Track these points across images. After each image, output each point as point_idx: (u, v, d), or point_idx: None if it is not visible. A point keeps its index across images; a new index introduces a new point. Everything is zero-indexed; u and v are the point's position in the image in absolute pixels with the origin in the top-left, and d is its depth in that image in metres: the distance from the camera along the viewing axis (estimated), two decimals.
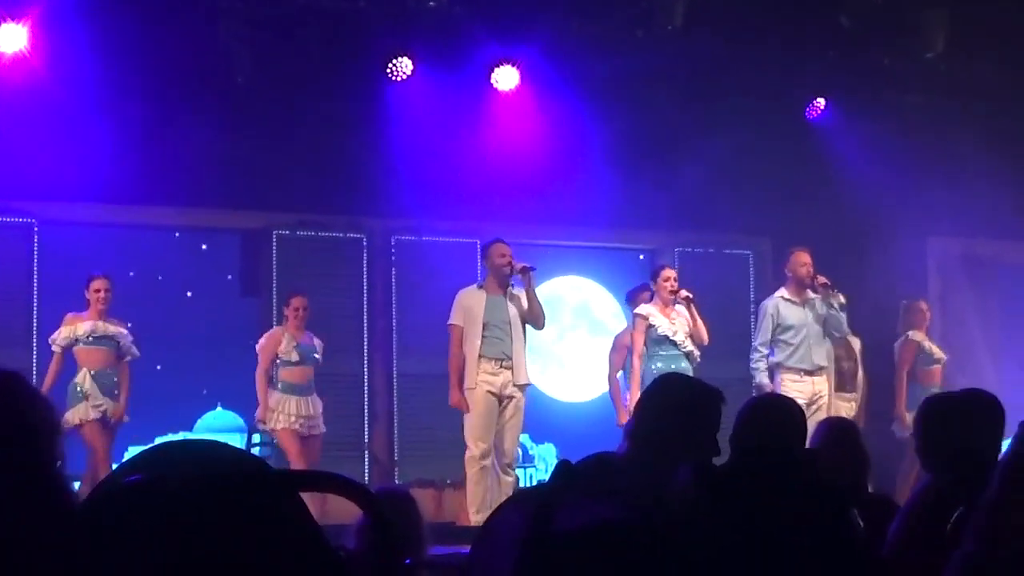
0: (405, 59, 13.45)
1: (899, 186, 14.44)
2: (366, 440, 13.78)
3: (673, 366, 11.93)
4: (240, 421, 13.72)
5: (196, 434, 13.40)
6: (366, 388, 13.93)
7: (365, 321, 14.07)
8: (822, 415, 12.06)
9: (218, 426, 13.58)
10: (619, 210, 14.38)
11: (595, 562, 2.38)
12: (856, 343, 13.60)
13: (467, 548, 3.25)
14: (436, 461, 13.37)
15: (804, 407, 11.91)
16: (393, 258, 14.19)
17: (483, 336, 11.53)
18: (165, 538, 1.77)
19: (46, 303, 12.80)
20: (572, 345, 15.33)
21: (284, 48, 13.12)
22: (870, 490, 6.88)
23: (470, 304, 11.67)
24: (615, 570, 2.42)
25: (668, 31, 13.29)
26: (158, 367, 13.24)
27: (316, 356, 12.30)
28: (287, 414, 11.98)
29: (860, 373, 13.61)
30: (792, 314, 12.65)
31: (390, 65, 13.48)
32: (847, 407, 13.09)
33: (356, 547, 5.34)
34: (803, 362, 12.54)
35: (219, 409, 13.83)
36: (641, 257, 15.65)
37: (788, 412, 5.35)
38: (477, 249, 13.79)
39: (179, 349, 13.34)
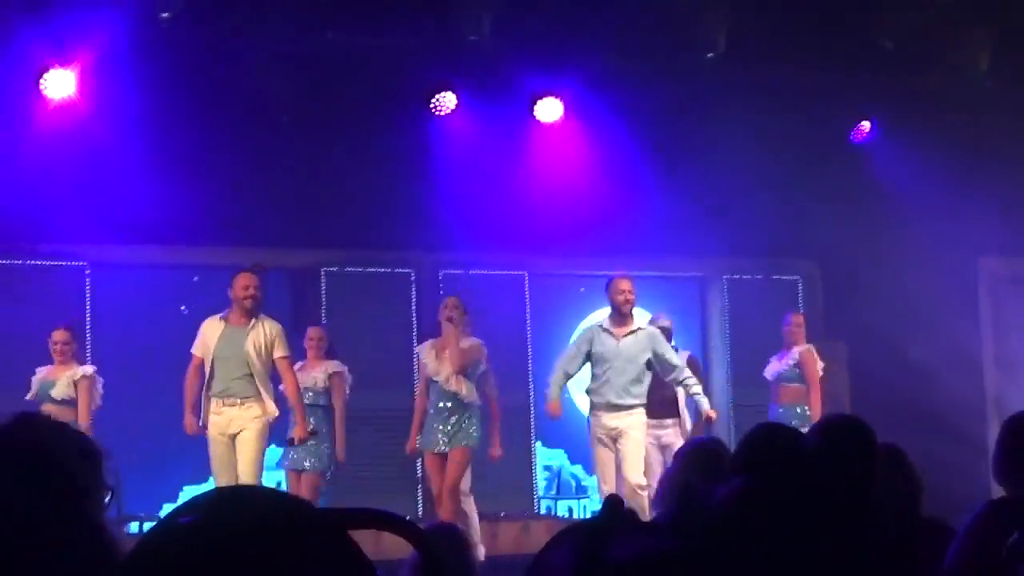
0: (448, 93, 13.52)
1: (948, 206, 14.37)
2: (418, 475, 13.78)
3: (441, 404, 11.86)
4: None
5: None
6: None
7: (415, 355, 14.09)
8: (630, 451, 11.91)
9: (272, 464, 13.60)
10: (665, 239, 14.37)
11: None
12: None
13: None
14: (489, 495, 13.36)
15: (610, 442, 11.90)
16: (441, 291, 14.20)
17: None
18: None
19: (99, 346, 12.87)
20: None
21: (328, 85, 13.21)
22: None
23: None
24: None
25: (710, 59, 13.30)
26: None
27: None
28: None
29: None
30: (607, 345, 12.12)
31: (434, 99, 13.55)
32: (668, 433, 12.68)
33: None
34: (610, 395, 12.01)
35: (272, 447, 13.85)
36: (690, 285, 15.62)
37: (860, 436, 5.32)
38: (525, 281, 13.83)
39: None
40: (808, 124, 14.32)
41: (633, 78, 13.67)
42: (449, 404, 11.82)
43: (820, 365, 13.22)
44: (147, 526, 11.67)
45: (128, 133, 12.52)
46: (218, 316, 11.44)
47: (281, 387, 11.45)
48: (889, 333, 14.46)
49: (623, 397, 11.93)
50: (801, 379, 13.24)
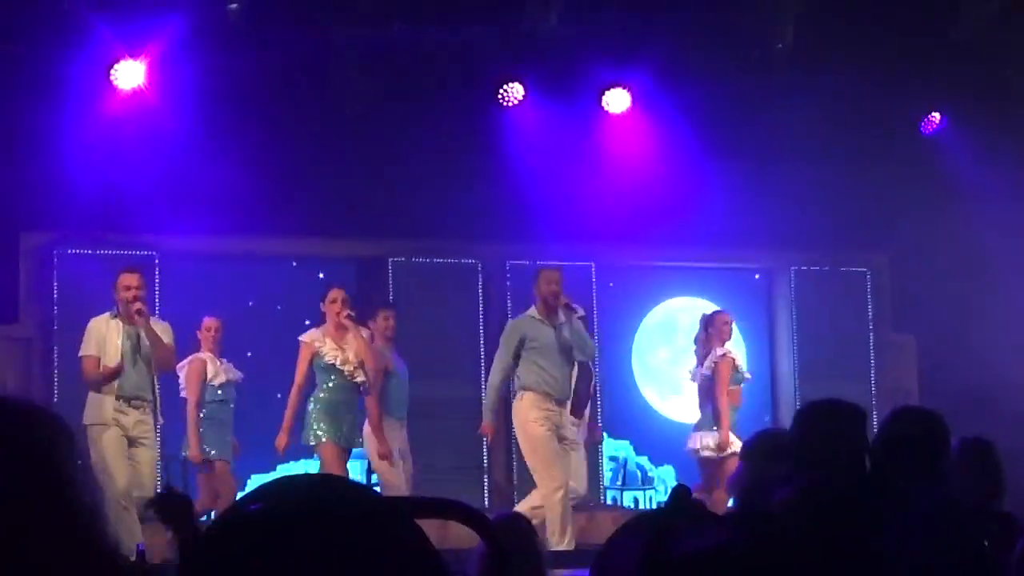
0: (516, 84, 13.53)
1: (1018, 198, 14.24)
2: (485, 465, 13.79)
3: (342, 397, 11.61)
4: (359, 448, 13.78)
5: (317, 461, 13.47)
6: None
7: (481, 346, 14.11)
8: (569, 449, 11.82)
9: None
10: (733, 230, 14.31)
11: None
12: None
13: (585, 572, 3.25)
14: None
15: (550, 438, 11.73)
16: (508, 283, 14.22)
17: None
18: (287, 567, 1.80)
19: None
20: (687, 367, 15.26)
21: (396, 77, 13.25)
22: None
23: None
24: None
25: (779, 50, 13.25)
26: (279, 395, 13.32)
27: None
28: None
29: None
30: (539, 334, 11.85)
31: (501, 91, 13.56)
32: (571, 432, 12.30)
33: (476, 573, 5.36)
34: (552, 386, 11.76)
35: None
36: (757, 276, 15.58)
37: (932, 427, 5.29)
38: (592, 272, 13.79)
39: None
40: (877, 115, 14.23)
41: (701, 69, 13.63)
42: None
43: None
44: (214, 514, 11.78)
45: (197, 124, 12.60)
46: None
47: None
48: (958, 326, 14.35)
49: None
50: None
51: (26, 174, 12.47)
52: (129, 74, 12.40)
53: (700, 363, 12.87)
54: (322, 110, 13.21)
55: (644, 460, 14.83)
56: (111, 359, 10.87)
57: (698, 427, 12.57)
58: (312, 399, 11.56)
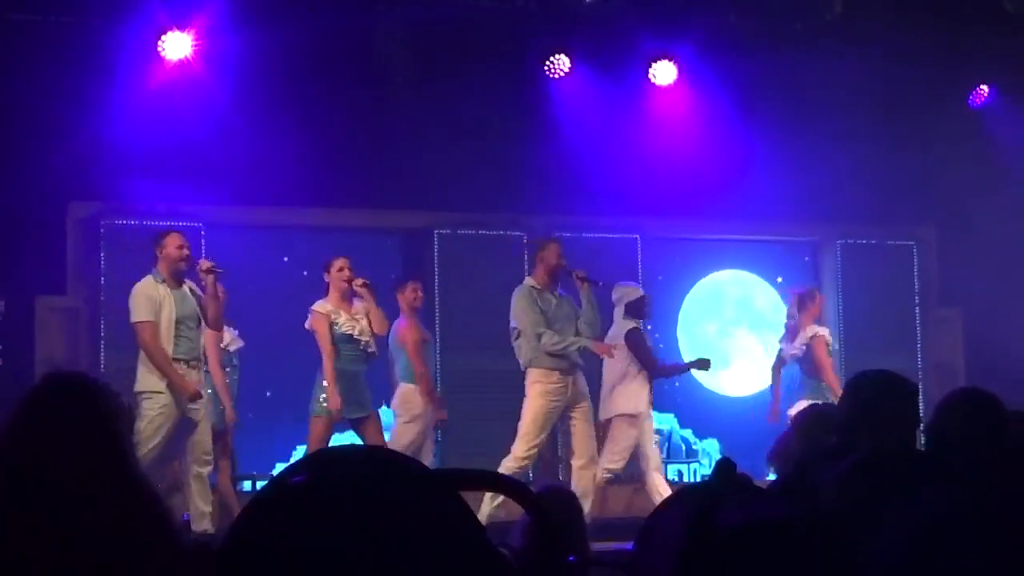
0: (563, 56, 13.51)
1: None
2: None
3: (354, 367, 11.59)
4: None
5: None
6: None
7: None
8: (584, 420, 11.90)
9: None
10: (779, 203, 14.27)
11: (760, 559, 2.36)
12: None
13: (630, 544, 3.25)
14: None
15: (563, 410, 11.74)
16: None
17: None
18: (331, 538, 1.80)
19: None
20: (734, 340, 15.25)
21: (442, 48, 13.24)
22: None
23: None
24: (780, 568, 2.40)
25: (827, 21, 13.18)
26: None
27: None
28: None
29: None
30: (546, 305, 11.91)
31: (548, 62, 13.54)
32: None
33: (521, 544, 5.37)
34: (560, 359, 11.82)
35: (384, 407, 13.94)
36: (806, 259, 15.51)
37: (990, 407, 5.27)
38: (637, 245, 13.77)
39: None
40: (925, 88, 14.14)
41: (747, 41, 13.57)
42: None
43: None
44: (260, 484, 11.83)
45: (243, 95, 12.63)
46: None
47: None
48: (1005, 300, 14.28)
49: None
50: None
51: (74, 145, 12.51)
52: (176, 45, 12.43)
53: (791, 339, 12.93)
54: (367, 82, 13.22)
55: (688, 433, 14.82)
56: (167, 323, 10.71)
57: (801, 397, 12.43)
58: (323, 369, 11.53)
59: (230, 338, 12.12)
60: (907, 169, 14.49)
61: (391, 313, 12.04)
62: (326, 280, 11.73)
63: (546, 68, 13.59)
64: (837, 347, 14.22)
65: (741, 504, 2.31)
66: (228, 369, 12.07)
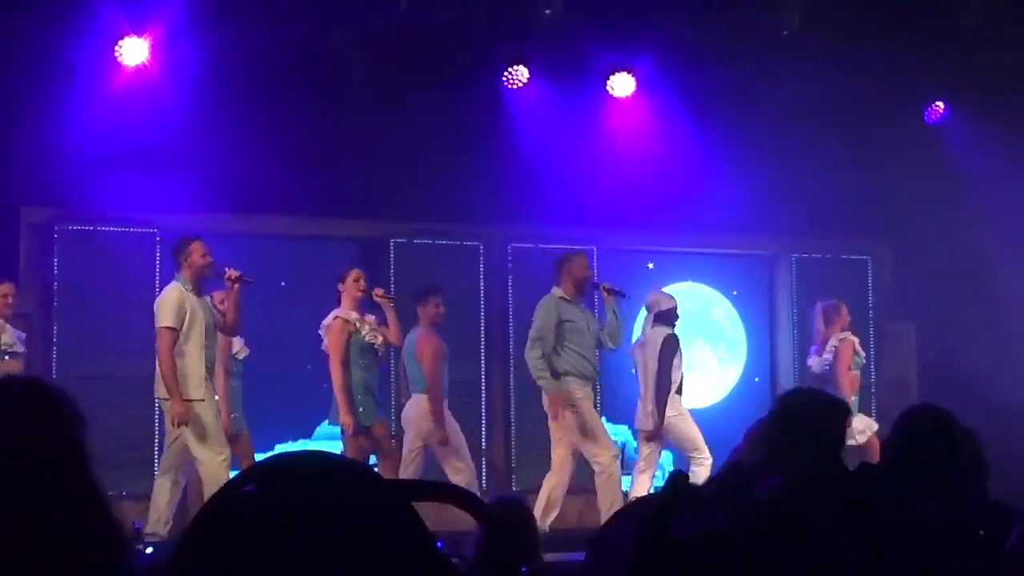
0: (521, 67, 13.52)
1: (1021, 188, 14.23)
2: (483, 447, 13.80)
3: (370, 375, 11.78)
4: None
5: (315, 442, 13.49)
6: (483, 396, 13.96)
7: (482, 329, 14.12)
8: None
9: (337, 433, 13.65)
10: (735, 216, 14.31)
11: (709, 569, 2.37)
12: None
13: (582, 555, 3.25)
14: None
15: None
16: (510, 265, 14.21)
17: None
18: (279, 549, 1.79)
19: None
20: (689, 353, 15.26)
21: (400, 57, 13.22)
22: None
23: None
24: None
25: (784, 36, 13.23)
26: (303, 369, 13.36)
27: None
28: None
29: None
30: (573, 315, 12.03)
31: (506, 73, 13.55)
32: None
33: (473, 555, 5.36)
34: (588, 369, 12.03)
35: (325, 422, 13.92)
36: (762, 271, 15.56)
37: (939, 421, 5.30)
38: (593, 256, 13.79)
39: (297, 356, 13.42)
40: (881, 104, 14.22)
41: (706, 54, 13.61)
42: None
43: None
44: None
45: (200, 102, 12.58)
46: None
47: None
48: (959, 316, 14.36)
49: None
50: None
51: (28, 149, 12.44)
52: (134, 51, 12.38)
53: (820, 351, 13.15)
54: (326, 89, 13.20)
55: None
56: (199, 332, 10.66)
57: None
58: (338, 379, 11.60)
59: (239, 346, 12.11)
60: (862, 184, 14.56)
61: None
62: (340, 290, 11.84)
63: (504, 79, 13.60)
64: (789, 357, 14.27)
65: (691, 515, 2.32)
66: (237, 375, 12.06)
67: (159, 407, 11.49)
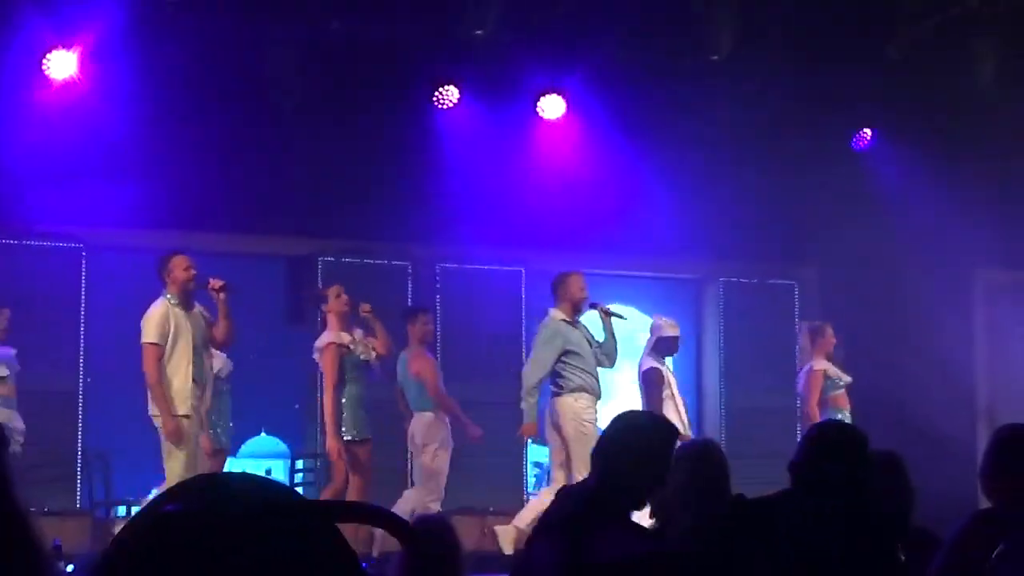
0: (452, 87, 13.53)
1: (947, 216, 14.36)
2: (409, 468, 13.77)
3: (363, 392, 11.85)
4: (283, 447, 13.77)
5: (240, 459, 13.44)
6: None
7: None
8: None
9: (262, 452, 13.62)
10: (664, 239, 14.37)
11: None
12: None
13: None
14: (478, 490, 13.34)
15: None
16: (438, 285, 14.20)
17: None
18: (202, 568, 1.79)
19: (93, 328, 12.89)
20: (615, 375, 15.28)
21: (331, 75, 13.21)
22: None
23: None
24: None
25: (714, 61, 13.30)
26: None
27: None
28: None
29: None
30: (576, 338, 11.97)
31: (437, 93, 13.56)
32: None
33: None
34: (592, 387, 11.92)
35: (263, 435, 13.86)
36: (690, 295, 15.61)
37: (852, 441, 5.32)
38: (522, 277, 13.80)
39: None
40: (810, 130, 14.31)
41: (637, 78, 13.67)
42: None
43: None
44: (135, 510, 11.71)
45: (128, 116, 12.51)
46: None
47: None
48: (884, 340, 14.47)
49: None
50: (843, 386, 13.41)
51: None
52: (62, 64, 12.30)
53: (802, 371, 13.33)
54: (256, 106, 13.15)
55: None
56: (186, 346, 10.48)
57: None
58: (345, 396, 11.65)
59: (222, 363, 11.98)
60: (790, 209, 14.66)
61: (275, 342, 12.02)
62: (323, 309, 11.88)
63: (435, 98, 13.60)
64: (714, 380, 14.36)
65: (612, 538, 2.33)
66: (219, 394, 11.90)
67: (81, 426, 11.37)
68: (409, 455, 12.82)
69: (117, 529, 9.78)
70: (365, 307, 11.94)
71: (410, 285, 14.17)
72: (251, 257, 13.98)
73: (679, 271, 15.41)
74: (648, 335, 12.80)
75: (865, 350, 14.57)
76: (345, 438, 11.58)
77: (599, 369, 11.96)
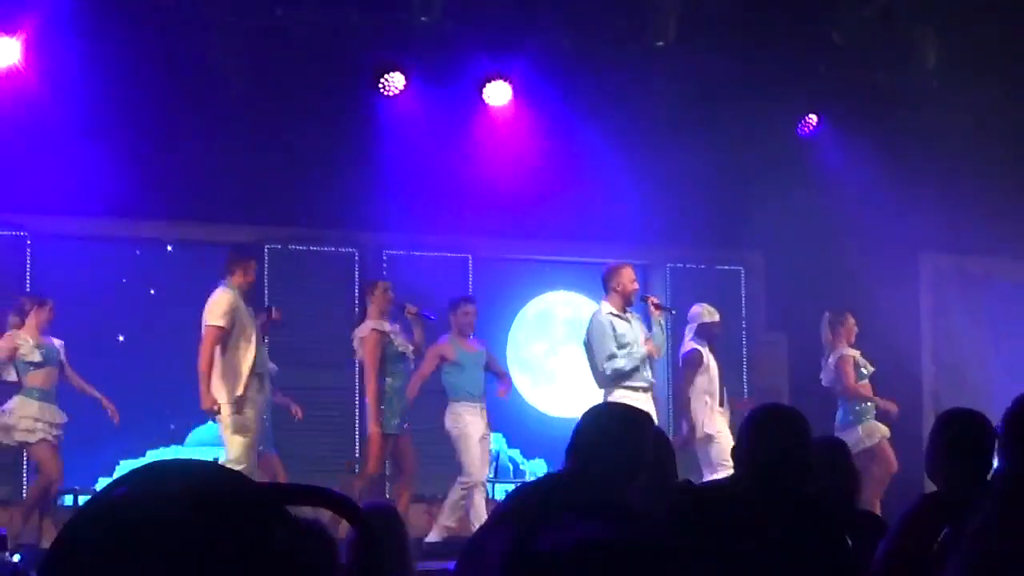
0: (397, 74, 13.49)
1: (892, 202, 14.45)
2: (356, 456, 13.75)
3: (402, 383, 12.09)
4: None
5: (188, 447, 13.41)
6: (357, 403, 13.91)
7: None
8: None
9: (210, 439, 13.55)
10: (610, 225, 14.40)
11: None
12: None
13: (452, 564, 3.26)
14: (428, 478, 13.32)
15: None
16: (385, 273, 14.17)
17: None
18: (149, 553, 1.78)
19: None
20: (563, 360, 15.32)
21: (276, 62, 13.16)
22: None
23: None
24: None
25: (660, 47, 13.33)
26: (153, 379, 13.25)
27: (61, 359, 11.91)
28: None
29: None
30: (625, 329, 12.02)
31: (382, 80, 13.52)
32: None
33: (347, 562, 5.34)
34: (641, 379, 11.96)
35: (211, 422, 13.80)
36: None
37: (793, 424, 5.35)
38: (469, 264, 13.78)
39: (171, 362, 13.30)
40: (755, 115, 14.34)
41: (582, 64, 13.68)
42: None
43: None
44: (82, 499, 11.70)
45: (73, 103, 12.43)
46: None
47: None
48: None
49: None
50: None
51: None
52: (5, 51, 12.20)
53: (827, 361, 13.43)
54: (201, 92, 13.08)
55: (516, 453, 14.87)
56: (254, 336, 11.00)
57: (843, 427, 12.93)
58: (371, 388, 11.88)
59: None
60: (736, 194, 14.70)
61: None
62: (368, 301, 12.11)
63: (380, 85, 13.56)
64: (661, 366, 14.37)
65: (563, 525, 2.32)
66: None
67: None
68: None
69: (63, 518, 9.77)
70: (411, 308, 12.22)
71: (357, 272, 14.15)
72: (198, 245, 13.90)
73: (626, 257, 15.37)
74: (688, 323, 12.88)
75: (810, 335, 14.64)
76: (385, 432, 11.86)
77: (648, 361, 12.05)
